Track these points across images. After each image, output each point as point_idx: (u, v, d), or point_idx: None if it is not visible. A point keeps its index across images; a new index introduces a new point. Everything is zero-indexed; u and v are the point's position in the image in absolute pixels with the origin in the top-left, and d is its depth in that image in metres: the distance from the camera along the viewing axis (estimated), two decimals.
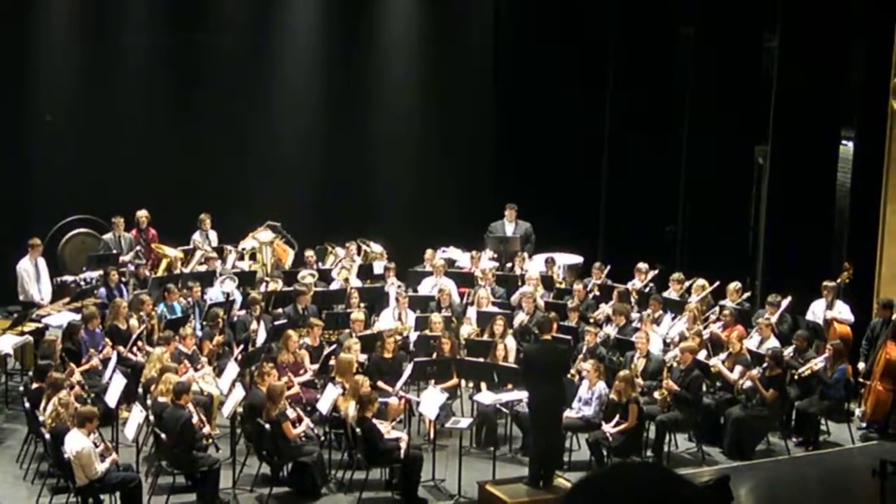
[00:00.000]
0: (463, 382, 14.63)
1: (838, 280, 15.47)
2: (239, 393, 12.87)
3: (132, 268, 17.13)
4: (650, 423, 13.50)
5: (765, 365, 13.74)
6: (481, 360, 14.30)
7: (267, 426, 12.18)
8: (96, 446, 11.37)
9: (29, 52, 18.84)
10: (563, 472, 12.62)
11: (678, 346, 14.30)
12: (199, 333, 14.98)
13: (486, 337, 14.99)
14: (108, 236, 17.62)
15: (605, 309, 16.05)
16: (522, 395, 13.12)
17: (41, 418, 12.00)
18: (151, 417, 12.29)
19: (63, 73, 19.10)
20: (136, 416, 12.21)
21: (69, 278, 16.88)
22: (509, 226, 18.84)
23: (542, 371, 12.38)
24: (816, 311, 15.48)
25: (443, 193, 20.48)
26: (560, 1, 20.45)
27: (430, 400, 13.15)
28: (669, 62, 19.48)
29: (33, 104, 18.96)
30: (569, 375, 13.72)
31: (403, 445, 12.34)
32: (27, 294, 16.34)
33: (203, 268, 17.18)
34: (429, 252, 17.98)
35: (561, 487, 12.00)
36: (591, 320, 15.75)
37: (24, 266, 16.36)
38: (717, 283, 16.16)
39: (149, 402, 12.74)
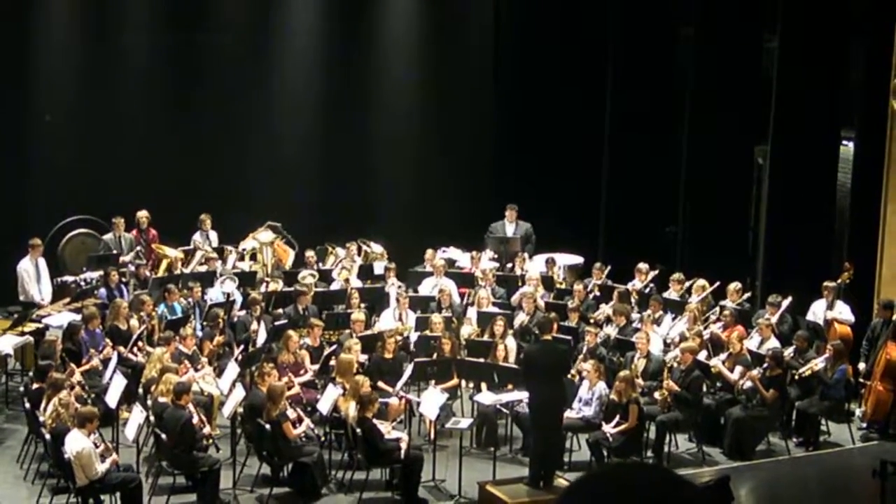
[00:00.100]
0: (463, 383, 14.62)
1: (839, 280, 15.47)
2: (239, 393, 12.87)
3: (132, 268, 17.13)
4: (650, 423, 13.50)
5: (765, 365, 13.74)
6: (482, 360, 14.30)
7: (267, 426, 12.19)
8: (96, 447, 11.37)
9: (29, 52, 18.84)
10: (564, 472, 12.62)
11: (678, 346, 14.30)
12: (200, 334, 14.98)
13: (486, 337, 14.99)
14: (108, 237, 17.62)
15: (606, 309, 16.05)
16: (523, 395, 13.12)
17: (41, 419, 12.00)
18: (152, 418, 12.29)
19: (63, 73, 19.10)
20: (136, 417, 12.21)
21: (69, 279, 16.87)
22: (510, 226, 18.84)
23: (542, 371, 12.38)
24: (817, 312, 15.48)
25: (443, 194, 20.48)
26: (560, 1, 20.45)
27: (431, 400, 13.16)
28: (669, 62, 19.48)
29: (33, 104, 18.96)
30: (569, 376, 13.72)
31: (404, 446, 12.34)
32: (27, 294, 16.34)
33: (203, 268, 17.18)
34: (429, 252, 17.98)
35: (561, 488, 11.94)
36: (592, 321, 15.74)
37: (25, 266, 16.36)
38: (718, 284, 16.16)
39: (149, 402, 12.75)
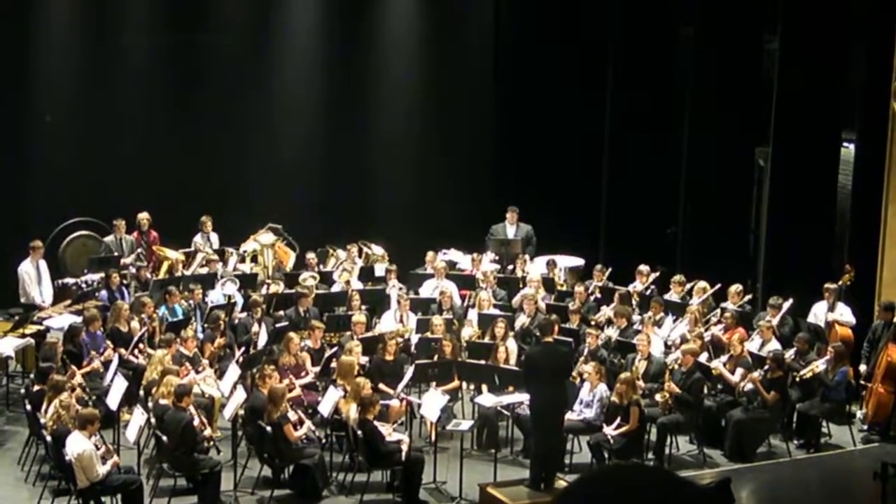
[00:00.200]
0: (464, 385, 14.63)
1: (840, 282, 15.46)
2: (240, 395, 12.88)
3: (133, 270, 17.13)
4: (651, 425, 13.50)
5: (766, 367, 13.74)
6: (482, 362, 14.29)
7: (268, 428, 12.19)
8: (97, 449, 11.36)
9: (29, 53, 18.83)
10: (565, 474, 12.62)
11: (679, 348, 14.30)
12: (201, 336, 14.98)
13: (487, 339, 14.99)
14: (109, 239, 17.61)
15: (607, 311, 16.05)
16: (523, 397, 13.12)
17: (42, 420, 12.01)
18: (153, 420, 12.29)
19: (64, 74, 19.09)
20: (137, 419, 12.21)
21: (70, 281, 16.87)
22: (510, 228, 18.84)
23: (543, 374, 12.39)
24: (818, 314, 15.48)
25: (444, 195, 20.47)
26: (560, 1, 20.45)
27: (432, 402, 13.16)
28: (669, 63, 19.49)
29: (34, 105, 18.95)
30: (571, 378, 13.72)
31: (404, 448, 12.34)
32: (28, 296, 16.33)
33: (204, 270, 17.17)
34: (430, 254, 17.98)
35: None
36: (593, 322, 15.74)
37: (26, 268, 16.36)
38: (719, 286, 16.15)
39: (150, 404, 12.74)
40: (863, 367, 14.74)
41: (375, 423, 12.38)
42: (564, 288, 17.42)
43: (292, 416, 12.43)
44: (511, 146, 20.71)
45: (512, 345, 14.80)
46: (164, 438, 12.01)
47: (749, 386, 13.81)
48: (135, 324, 14.93)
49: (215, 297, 16.32)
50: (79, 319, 14.77)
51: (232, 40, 19.94)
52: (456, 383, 14.29)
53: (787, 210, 16.91)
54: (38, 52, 18.93)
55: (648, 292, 16.67)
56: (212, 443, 12.36)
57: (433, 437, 13.42)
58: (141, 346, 14.60)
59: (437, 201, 20.40)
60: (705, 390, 14.09)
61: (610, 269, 17.30)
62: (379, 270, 17.67)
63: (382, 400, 13.09)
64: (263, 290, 16.80)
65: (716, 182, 17.88)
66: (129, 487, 11.55)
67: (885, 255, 15.69)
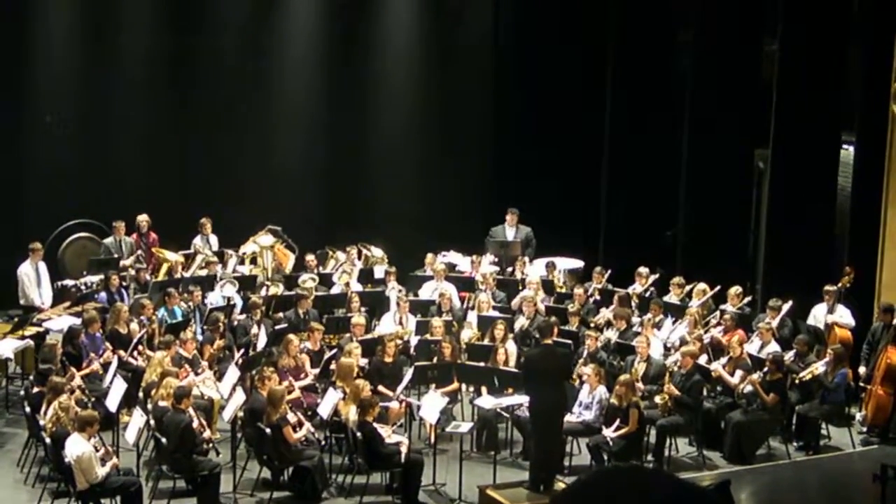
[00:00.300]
0: (463, 387, 14.63)
1: (839, 284, 15.47)
2: (240, 397, 12.87)
3: (133, 272, 17.12)
4: (651, 427, 13.49)
5: (765, 369, 13.74)
6: (482, 364, 14.28)
7: (268, 430, 12.18)
8: (97, 450, 11.36)
9: (29, 54, 18.82)
10: (564, 476, 12.62)
11: (679, 350, 14.30)
12: (200, 338, 14.97)
13: (486, 341, 14.98)
14: (108, 240, 17.60)
15: (606, 313, 16.05)
16: (523, 399, 13.12)
17: (42, 422, 12.01)
18: (152, 422, 12.28)
19: (63, 76, 19.06)
20: (136, 421, 12.20)
21: (70, 282, 16.86)
22: (510, 230, 18.83)
23: (543, 375, 12.39)
24: (817, 316, 15.48)
25: (443, 197, 20.46)
26: (560, 1, 20.46)
27: (431, 404, 13.15)
28: (669, 65, 19.49)
29: (33, 107, 18.94)
30: (569, 380, 13.72)
31: (404, 450, 12.34)
32: (28, 298, 16.33)
33: (204, 272, 17.17)
34: (429, 256, 17.98)
35: None
36: (592, 324, 15.74)
37: (25, 270, 16.36)
38: (718, 288, 16.16)
39: (149, 406, 12.73)
40: (862, 370, 14.75)
41: (375, 424, 12.37)
42: (564, 290, 17.42)
43: (291, 417, 12.42)
44: (511, 148, 20.71)
45: (511, 347, 14.79)
46: (164, 440, 12.01)
47: (748, 388, 13.80)
48: (134, 326, 14.93)
49: (214, 298, 16.32)
50: (78, 321, 14.76)
51: (231, 42, 19.94)
52: (455, 385, 14.29)
53: (787, 212, 16.91)
54: (38, 53, 18.92)
55: (648, 294, 16.67)
56: (211, 444, 12.34)
57: (432, 439, 13.41)
58: (140, 347, 14.59)
59: (437, 203, 20.40)
60: (705, 392, 14.10)
61: (609, 271, 17.30)
62: (378, 272, 17.68)
63: (382, 402, 13.08)
64: (263, 292, 16.79)
65: (715, 184, 17.89)
66: (129, 489, 11.54)
67: (885, 257, 15.70)
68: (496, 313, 16.00)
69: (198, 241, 17.99)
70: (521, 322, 15.84)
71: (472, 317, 16.30)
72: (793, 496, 13.70)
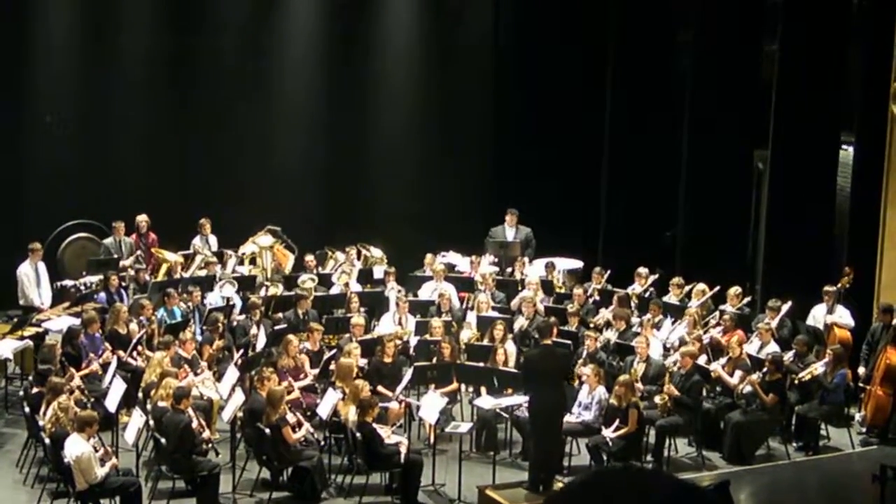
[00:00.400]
0: (463, 387, 14.62)
1: (839, 285, 15.47)
2: (239, 397, 12.87)
3: (132, 272, 17.13)
4: (650, 427, 13.49)
5: (765, 370, 13.74)
6: (481, 364, 14.28)
7: (267, 431, 12.18)
8: (96, 451, 11.36)
9: (29, 55, 18.82)
10: (563, 476, 12.61)
11: (678, 350, 14.30)
12: (199, 338, 14.97)
13: (486, 341, 14.98)
14: (108, 241, 17.60)
15: (606, 314, 16.06)
16: (522, 399, 13.11)
17: (41, 423, 12.00)
18: (151, 422, 12.28)
19: (63, 76, 19.05)
20: (135, 421, 12.19)
21: (69, 283, 16.85)
22: (510, 230, 18.83)
23: (542, 376, 12.39)
24: (817, 316, 15.48)
25: (443, 197, 20.46)
26: (560, 1, 20.45)
27: (430, 404, 13.15)
28: (668, 65, 19.49)
29: (33, 107, 18.94)
30: (569, 380, 13.72)
31: (403, 450, 12.34)
32: (27, 298, 16.32)
33: (203, 272, 17.16)
34: (429, 257, 17.98)
35: None
36: (592, 325, 15.74)
37: (25, 270, 16.35)
38: (718, 288, 16.16)
39: (149, 406, 12.73)
40: (861, 370, 14.75)
41: (374, 425, 12.37)
42: (563, 290, 17.42)
43: (291, 418, 12.42)
44: (511, 148, 20.71)
45: (511, 347, 14.79)
46: (163, 440, 12.01)
47: (748, 388, 13.80)
48: (133, 326, 14.93)
49: (214, 299, 16.32)
50: (77, 321, 14.75)
51: (231, 42, 19.94)
52: (455, 385, 14.28)
53: (786, 212, 16.92)
54: (38, 53, 18.92)
55: (647, 294, 16.67)
56: (210, 445, 12.33)
57: (432, 440, 13.40)
58: (139, 348, 14.59)
59: (437, 203, 20.39)
60: (704, 392, 14.10)
61: (609, 272, 17.30)
62: (378, 273, 17.68)
63: (381, 402, 13.08)
64: (262, 293, 16.79)
65: (715, 184, 17.88)
66: (128, 489, 11.54)
67: (884, 257, 15.70)
68: (495, 314, 16.00)
69: (197, 241, 17.99)
70: (520, 322, 15.84)
71: (471, 317, 16.30)
72: (792, 497, 13.69)
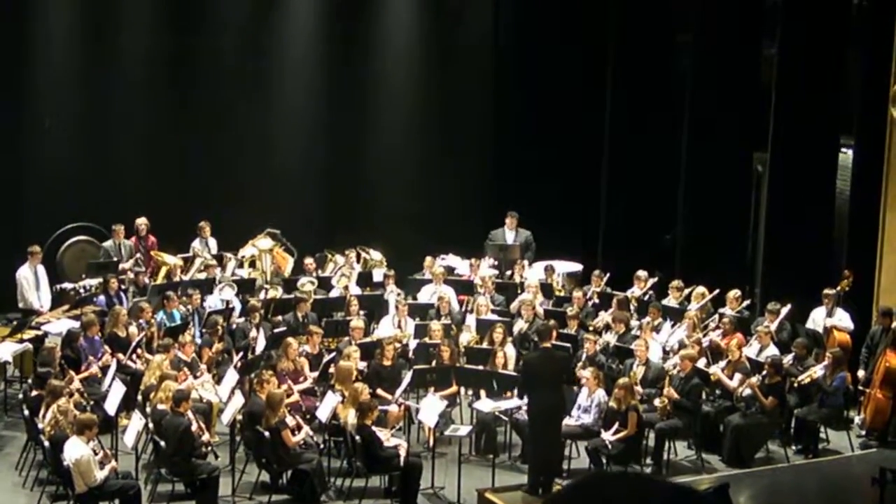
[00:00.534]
0: (462, 390, 14.62)
1: (838, 288, 15.47)
2: (238, 400, 12.87)
3: (132, 275, 17.13)
4: (649, 430, 13.49)
5: (764, 373, 13.75)
6: (481, 367, 14.28)
7: (266, 434, 12.18)
8: (95, 454, 11.36)
9: (28, 57, 18.81)
10: (563, 480, 12.61)
11: (678, 353, 14.30)
12: (199, 341, 14.97)
13: (485, 345, 14.98)
14: (107, 244, 17.60)
15: (605, 317, 16.06)
16: (521, 402, 13.11)
17: (40, 426, 12.00)
18: (151, 425, 12.28)
19: (62, 79, 19.04)
20: (135, 424, 12.19)
21: (69, 286, 16.84)
22: (510, 234, 18.83)
23: (542, 379, 12.39)
24: (816, 319, 15.48)
25: (442, 200, 20.45)
26: (560, 1, 20.46)
27: (430, 407, 13.15)
28: (669, 66, 19.49)
29: (32, 110, 18.93)
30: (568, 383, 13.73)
31: (403, 453, 12.34)
32: (27, 301, 16.32)
33: (202, 275, 17.16)
34: (428, 260, 17.97)
35: None
36: (591, 328, 15.74)
37: (24, 273, 16.35)
38: (717, 291, 16.16)
39: (148, 409, 12.73)
40: (861, 373, 14.75)
41: (373, 428, 12.37)
42: (562, 293, 17.43)
43: (290, 421, 12.42)
44: (511, 148, 20.71)
45: (510, 350, 14.80)
46: (162, 443, 12.02)
47: (747, 391, 13.80)
48: (133, 329, 14.93)
49: (213, 302, 16.31)
50: (77, 324, 14.76)
51: (231, 42, 19.93)
52: (454, 389, 14.28)
53: (786, 215, 16.90)
54: (38, 53, 18.92)
55: (647, 298, 16.66)
56: (210, 448, 12.34)
57: (431, 443, 13.40)
58: (139, 351, 14.60)
59: (437, 204, 20.40)
60: (703, 396, 14.11)
61: (608, 275, 17.30)
62: (377, 276, 17.66)
63: (381, 405, 13.08)
64: (262, 295, 16.79)
65: (714, 187, 17.87)
66: (127, 492, 11.55)
67: (884, 260, 15.70)
68: (495, 317, 16.00)
69: (196, 244, 17.99)
70: (519, 325, 15.84)
71: (470, 320, 16.30)
72: (792, 499, 13.69)
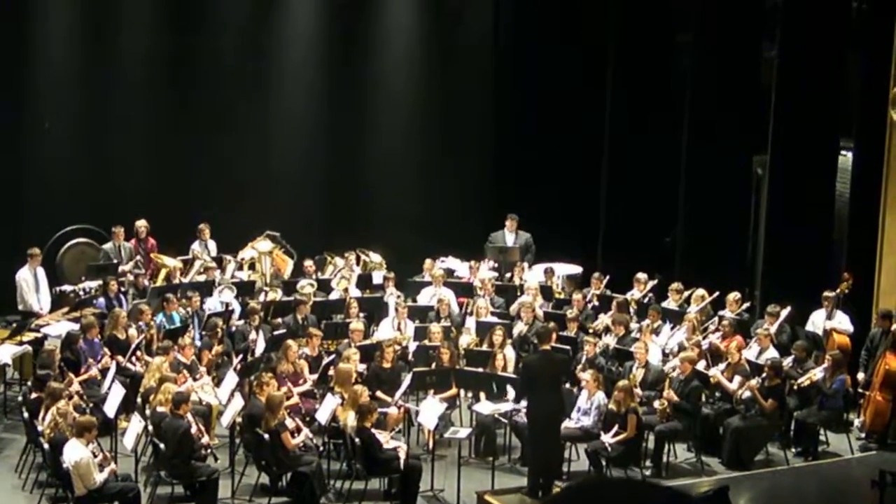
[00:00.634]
0: (462, 392, 14.63)
1: (838, 290, 15.46)
2: (238, 403, 12.87)
3: (131, 277, 17.13)
4: (649, 433, 13.49)
5: (764, 375, 13.75)
6: (480, 370, 14.29)
7: (266, 436, 12.18)
8: (95, 456, 11.37)
9: (27, 59, 18.80)
10: (563, 482, 12.61)
11: (677, 356, 14.30)
12: (198, 343, 14.96)
13: (485, 347, 14.99)
14: (107, 246, 17.60)
15: (604, 319, 16.06)
16: (520, 405, 13.10)
17: (40, 428, 12.00)
18: (150, 427, 12.28)
19: (62, 80, 19.03)
20: (134, 426, 12.19)
21: (68, 288, 16.85)
22: (510, 236, 18.83)
23: (541, 381, 12.39)
24: (816, 322, 15.48)
25: (442, 202, 20.45)
26: (560, 1, 20.46)
27: (429, 410, 13.15)
28: (669, 66, 19.49)
29: (32, 111, 18.92)
30: (570, 385, 13.73)
31: (402, 455, 12.34)
32: (26, 304, 16.32)
33: (202, 278, 17.16)
34: (428, 262, 17.97)
35: None
36: (591, 330, 15.75)
37: (24, 275, 16.35)
38: (717, 294, 16.15)
39: (147, 411, 12.73)
40: (861, 376, 14.75)
41: (373, 430, 12.37)
42: (562, 296, 17.43)
43: (290, 423, 12.42)
44: (511, 148, 20.70)
45: (510, 352, 14.80)
46: (162, 446, 12.01)
47: (747, 394, 13.80)
48: (132, 331, 14.92)
49: (213, 304, 16.31)
50: (76, 327, 14.76)
51: (231, 42, 19.91)
52: (454, 391, 14.28)
53: (786, 217, 16.90)
54: (38, 53, 18.91)
55: (646, 300, 16.66)
56: (209, 450, 12.34)
57: (431, 445, 13.39)
58: (138, 353, 14.60)
59: (436, 206, 20.40)
60: (703, 398, 14.10)
61: (608, 277, 17.30)
62: (377, 278, 17.66)
63: (380, 407, 13.08)
64: (261, 298, 16.79)
65: (714, 189, 17.87)
66: (127, 495, 11.56)
67: (883, 262, 15.70)
68: (495, 319, 16.01)
69: (196, 246, 17.98)
70: (519, 328, 15.85)
71: (470, 322, 16.30)
72: (791, 502, 13.68)
